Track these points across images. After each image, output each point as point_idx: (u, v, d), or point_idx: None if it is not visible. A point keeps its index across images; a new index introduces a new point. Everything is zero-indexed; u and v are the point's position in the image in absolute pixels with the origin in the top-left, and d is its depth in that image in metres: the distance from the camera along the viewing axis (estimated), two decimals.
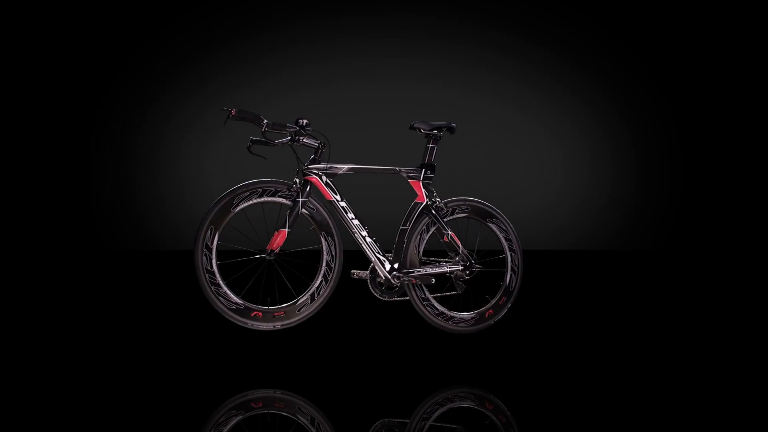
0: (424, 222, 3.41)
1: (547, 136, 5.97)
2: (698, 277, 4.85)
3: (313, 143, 3.29)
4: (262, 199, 3.24)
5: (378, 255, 3.34)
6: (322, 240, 3.34)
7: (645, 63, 5.90)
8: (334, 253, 3.38)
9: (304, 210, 3.27)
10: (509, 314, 3.49)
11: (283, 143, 3.25)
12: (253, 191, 3.24)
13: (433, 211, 3.39)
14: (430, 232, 3.43)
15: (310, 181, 3.30)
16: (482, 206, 3.52)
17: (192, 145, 5.75)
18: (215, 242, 3.22)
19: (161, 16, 5.68)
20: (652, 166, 5.97)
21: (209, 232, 3.24)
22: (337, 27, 5.88)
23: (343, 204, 3.32)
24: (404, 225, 3.38)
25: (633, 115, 5.98)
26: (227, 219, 3.22)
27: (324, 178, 3.30)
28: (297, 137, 3.26)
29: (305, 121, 3.28)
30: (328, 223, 3.33)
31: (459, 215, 3.48)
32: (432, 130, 3.42)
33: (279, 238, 3.21)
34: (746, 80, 5.81)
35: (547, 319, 3.70)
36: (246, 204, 3.22)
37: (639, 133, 5.99)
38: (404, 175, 3.41)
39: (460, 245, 3.44)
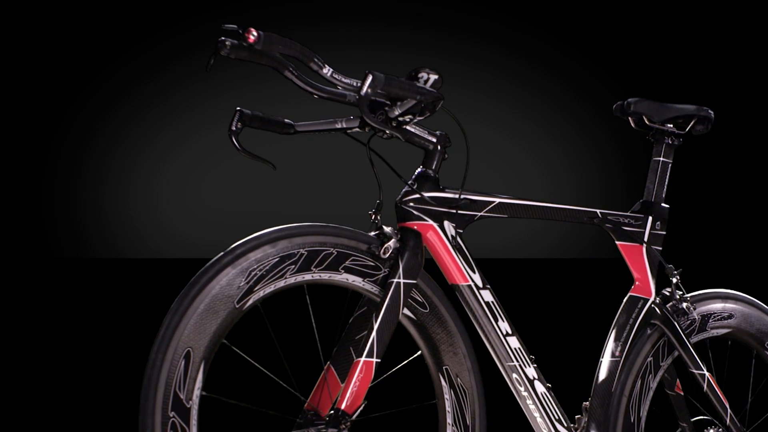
0: (649, 346, 1.94)
1: (527, 155, 5.75)
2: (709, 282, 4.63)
3: (426, 137, 1.76)
4: (307, 277, 1.60)
5: (557, 425, 1.79)
6: (443, 385, 1.73)
7: (627, 69, 5.77)
8: (469, 422, 1.75)
9: (407, 311, 1.69)
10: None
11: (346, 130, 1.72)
12: (292, 258, 1.57)
13: (675, 323, 1.93)
14: (662, 370, 1.94)
15: (420, 236, 1.71)
16: (763, 315, 2.07)
17: (147, 159, 5.41)
18: (197, 391, 1.47)
19: (124, 21, 5.42)
20: (643, 174, 5.84)
21: (186, 366, 1.45)
22: (324, 38, 5.59)
23: (487, 297, 1.76)
24: (613, 354, 1.89)
25: (616, 122, 5.87)
26: (226, 329, 1.52)
27: (451, 228, 1.75)
28: (391, 119, 1.65)
29: (428, 83, 1.64)
30: (459, 345, 1.74)
31: (713, 332, 2.01)
32: (668, 122, 1.99)
33: (355, 385, 1.58)
34: (731, 84, 5.65)
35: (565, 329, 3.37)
36: (271, 289, 1.56)
37: (625, 142, 5.81)
38: (610, 226, 1.99)
39: (725, 401, 1.93)
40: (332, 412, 1.58)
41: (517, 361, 1.76)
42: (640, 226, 2.06)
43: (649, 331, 1.96)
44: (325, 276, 1.62)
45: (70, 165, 5.39)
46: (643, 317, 1.96)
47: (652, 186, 2.13)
